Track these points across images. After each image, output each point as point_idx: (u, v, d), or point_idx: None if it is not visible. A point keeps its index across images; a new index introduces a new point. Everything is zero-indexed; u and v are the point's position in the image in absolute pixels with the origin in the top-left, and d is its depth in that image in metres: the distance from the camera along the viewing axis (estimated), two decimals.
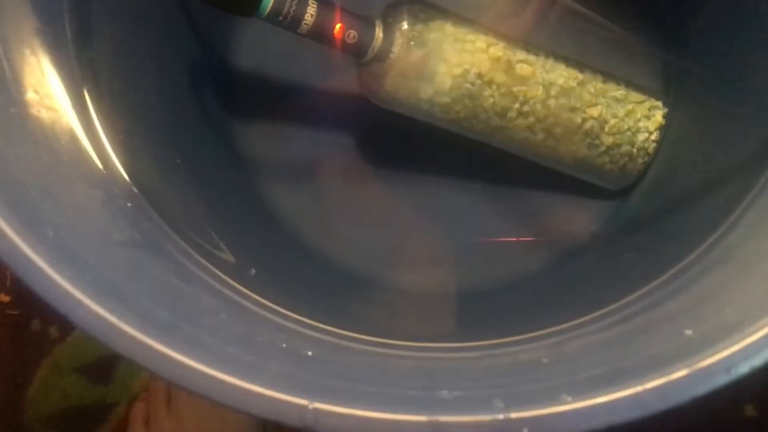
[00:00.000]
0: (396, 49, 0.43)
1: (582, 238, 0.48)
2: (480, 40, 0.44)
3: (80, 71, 0.34)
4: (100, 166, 0.32)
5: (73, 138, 0.31)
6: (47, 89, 0.32)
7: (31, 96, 0.30)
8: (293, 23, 0.42)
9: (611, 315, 0.30)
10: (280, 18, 0.42)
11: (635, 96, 0.47)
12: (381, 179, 0.50)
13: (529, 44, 0.46)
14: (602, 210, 0.49)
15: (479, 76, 0.44)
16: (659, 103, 0.47)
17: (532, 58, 0.45)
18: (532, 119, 0.45)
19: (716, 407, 0.57)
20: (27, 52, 0.31)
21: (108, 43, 0.37)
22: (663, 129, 0.47)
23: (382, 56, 0.43)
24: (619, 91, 0.46)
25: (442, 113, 0.45)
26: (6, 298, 0.58)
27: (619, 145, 0.46)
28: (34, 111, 0.30)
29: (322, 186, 0.50)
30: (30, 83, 0.30)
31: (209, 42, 0.48)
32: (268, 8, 0.41)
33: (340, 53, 0.44)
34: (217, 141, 0.47)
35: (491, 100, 0.45)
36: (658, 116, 0.47)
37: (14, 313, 0.57)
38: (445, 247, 0.50)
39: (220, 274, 0.31)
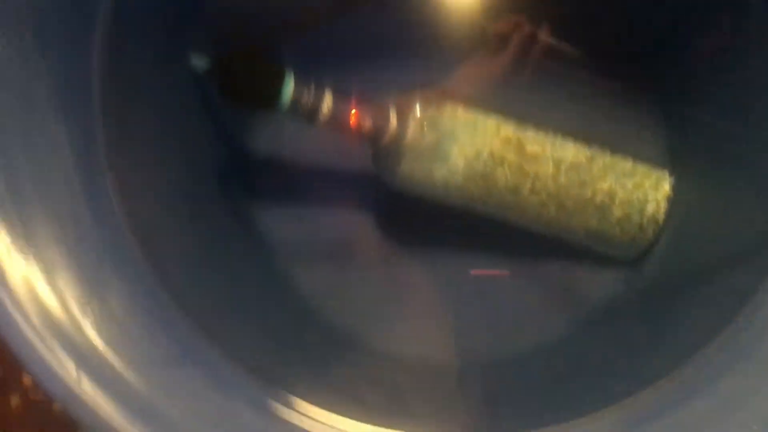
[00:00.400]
0: (410, 133, 0.45)
1: (595, 311, 0.49)
2: (491, 122, 0.46)
3: (108, 172, 0.35)
4: (134, 275, 0.33)
5: (100, 255, 0.31)
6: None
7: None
8: (311, 115, 0.44)
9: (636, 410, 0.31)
10: (299, 109, 0.43)
11: (642, 168, 0.48)
12: (401, 255, 0.52)
13: (538, 125, 0.47)
14: (616, 282, 0.50)
15: (491, 156, 0.46)
16: (666, 174, 0.48)
17: (541, 136, 0.47)
18: (544, 195, 0.47)
19: None
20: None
21: (134, 140, 0.39)
22: (671, 199, 0.48)
23: (397, 141, 0.45)
24: (627, 164, 0.48)
25: (456, 193, 0.46)
26: (29, 381, 0.58)
27: (629, 216, 0.48)
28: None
29: (339, 264, 0.51)
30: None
31: (230, 132, 0.49)
32: (287, 103, 0.43)
33: (356, 140, 0.45)
34: (242, 228, 0.48)
35: (504, 178, 0.46)
36: (665, 186, 0.48)
37: (37, 398, 0.58)
38: (463, 320, 0.51)
39: (258, 382, 0.32)
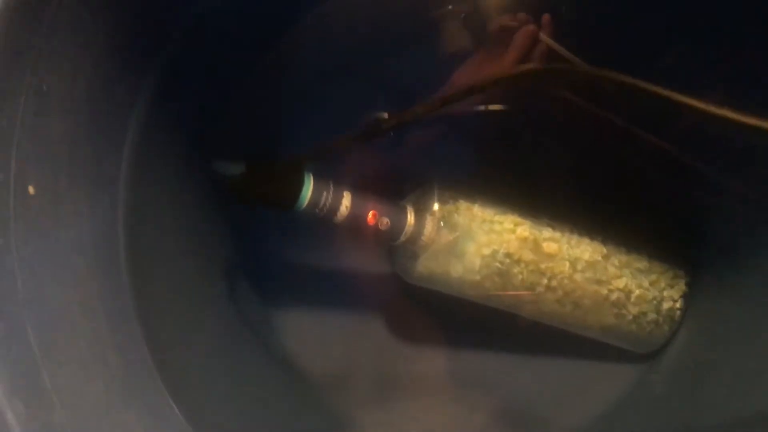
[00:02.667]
0: (427, 231, 0.45)
1: (612, 404, 0.49)
2: (507, 221, 0.46)
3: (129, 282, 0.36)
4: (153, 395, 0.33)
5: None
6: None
7: None
8: (329, 214, 0.44)
9: None
10: (317, 210, 0.44)
11: (658, 266, 0.48)
12: (413, 350, 0.52)
13: (554, 221, 0.47)
14: (631, 376, 0.50)
15: (508, 255, 0.46)
16: (682, 272, 0.48)
17: (557, 235, 0.47)
18: (560, 293, 0.47)
19: None
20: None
21: (152, 241, 0.39)
22: (687, 296, 0.48)
23: (414, 239, 0.45)
24: (643, 263, 0.48)
25: (472, 290, 0.47)
26: None
27: (645, 314, 0.48)
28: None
29: (355, 360, 0.51)
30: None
31: (246, 234, 0.50)
32: (306, 202, 0.43)
33: (374, 239, 0.45)
34: (256, 325, 0.49)
35: (520, 277, 0.46)
36: (682, 284, 0.48)
37: None
38: (478, 414, 0.50)
39: None
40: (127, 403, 0.29)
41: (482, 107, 0.47)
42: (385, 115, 0.39)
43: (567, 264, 0.47)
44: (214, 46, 0.39)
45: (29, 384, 0.24)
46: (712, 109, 0.36)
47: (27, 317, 0.25)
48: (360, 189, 0.44)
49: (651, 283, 0.48)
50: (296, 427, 0.45)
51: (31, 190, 0.27)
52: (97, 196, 0.31)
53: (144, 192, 0.36)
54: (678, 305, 0.48)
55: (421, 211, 0.46)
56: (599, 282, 0.47)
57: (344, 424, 0.48)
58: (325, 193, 0.44)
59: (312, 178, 0.43)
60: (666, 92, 0.38)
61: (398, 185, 0.48)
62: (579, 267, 0.47)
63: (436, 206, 0.46)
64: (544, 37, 0.48)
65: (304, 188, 0.43)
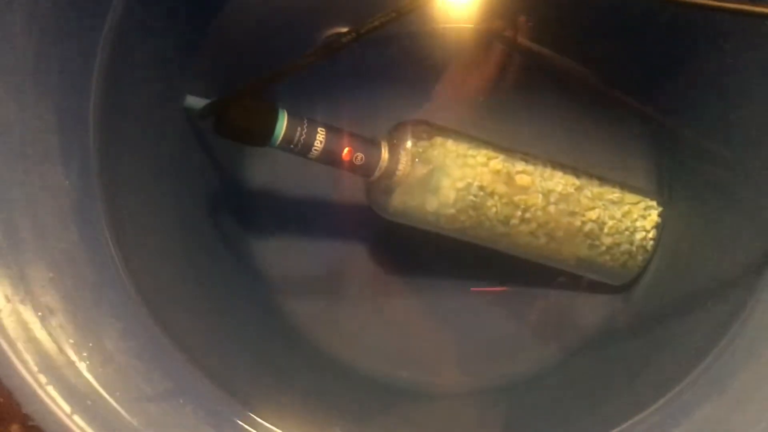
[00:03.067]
0: (401, 167, 0.46)
1: (589, 334, 0.50)
2: (480, 155, 0.47)
3: (104, 215, 0.36)
4: (129, 314, 0.34)
5: (96, 298, 0.32)
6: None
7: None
8: (304, 150, 0.45)
9: None
10: (292, 146, 0.44)
11: (630, 197, 0.49)
12: (393, 284, 0.53)
13: (527, 154, 0.48)
14: (606, 306, 0.51)
15: (481, 188, 0.47)
16: (654, 203, 0.49)
17: (530, 168, 0.48)
18: (534, 225, 0.48)
19: None
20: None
21: (130, 178, 0.40)
22: (660, 227, 0.49)
23: (389, 174, 0.46)
24: (615, 194, 0.49)
25: (447, 224, 0.47)
26: None
27: (618, 245, 0.48)
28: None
29: (337, 296, 0.52)
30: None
31: (224, 167, 0.51)
32: (280, 138, 0.44)
33: (349, 173, 0.46)
34: (234, 259, 0.50)
35: (494, 209, 0.47)
36: (654, 215, 0.49)
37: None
38: (458, 346, 0.51)
39: (252, 415, 0.33)
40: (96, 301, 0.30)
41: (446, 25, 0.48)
42: (344, 30, 0.39)
43: (540, 196, 0.47)
44: None
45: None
46: None
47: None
48: (334, 124, 0.45)
49: (623, 215, 0.48)
50: (260, 328, 0.46)
51: None
52: (67, 108, 0.32)
53: (114, 118, 0.36)
54: (651, 235, 0.49)
55: (395, 146, 0.46)
56: (572, 214, 0.48)
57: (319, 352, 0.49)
58: (299, 129, 0.44)
59: (286, 114, 0.44)
60: None
61: (372, 121, 0.49)
62: (552, 199, 0.47)
63: (409, 141, 0.46)
64: (522, 40, 0.50)
65: (278, 124, 0.44)
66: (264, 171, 0.52)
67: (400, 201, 0.47)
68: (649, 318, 0.47)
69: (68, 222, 0.31)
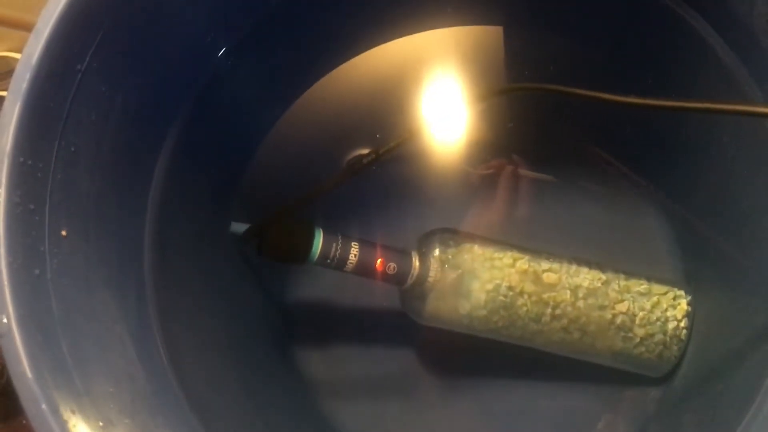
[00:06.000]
0: (432, 273, 0.49)
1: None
2: (506, 257, 0.49)
3: (159, 334, 0.40)
4: (182, 425, 0.36)
5: (152, 411, 0.35)
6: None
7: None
8: (340, 264, 0.48)
9: None
10: (328, 261, 0.48)
11: (658, 288, 0.50)
12: (435, 388, 0.54)
13: (551, 254, 0.50)
14: (647, 398, 0.51)
15: (510, 288, 0.49)
16: (682, 292, 0.50)
17: (556, 266, 0.50)
18: (565, 321, 0.49)
19: None
20: None
21: (182, 301, 0.44)
22: (691, 315, 0.50)
23: (421, 281, 0.49)
24: (642, 286, 0.50)
25: (481, 325, 0.49)
26: None
27: (652, 335, 0.49)
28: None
29: (380, 400, 0.54)
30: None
31: (268, 284, 0.54)
32: (317, 255, 0.48)
33: (383, 283, 0.49)
34: (282, 371, 0.52)
35: (525, 308, 0.49)
36: (683, 304, 0.50)
37: None
38: None
39: None
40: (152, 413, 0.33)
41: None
42: (365, 152, 0.43)
43: (568, 292, 0.49)
44: (225, 111, 0.45)
45: (67, 390, 0.28)
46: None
47: (62, 335, 0.29)
48: (366, 238, 0.48)
49: (653, 305, 0.50)
50: None
51: (63, 233, 0.32)
52: (124, 241, 0.36)
53: (167, 247, 0.40)
54: (682, 324, 0.49)
55: (424, 255, 0.49)
56: (602, 307, 0.49)
57: None
58: (334, 245, 0.48)
59: (321, 232, 0.48)
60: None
61: (401, 232, 0.52)
62: (580, 294, 0.49)
63: (438, 249, 0.49)
64: (523, 171, 0.54)
65: (315, 242, 0.47)
66: (305, 285, 0.55)
67: (433, 306, 0.49)
68: (689, 402, 0.47)
69: (127, 343, 0.34)
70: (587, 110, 0.55)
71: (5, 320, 0.27)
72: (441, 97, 0.50)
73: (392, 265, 0.49)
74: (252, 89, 0.47)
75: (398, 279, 0.49)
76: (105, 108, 0.35)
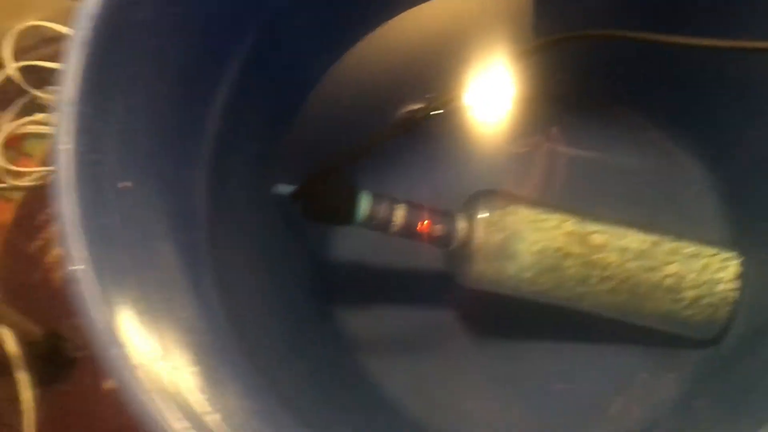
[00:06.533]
0: (478, 235, 0.48)
1: (678, 394, 0.50)
2: (553, 219, 0.49)
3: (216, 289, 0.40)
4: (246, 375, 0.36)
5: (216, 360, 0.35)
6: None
7: None
8: (384, 225, 0.48)
9: None
10: (373, 223, 0.48)
11: (707, 250, 0.50)
12: (479, 350, 0.54)
13: (598, 216, 0.50)
14: (695, 360, 0.51)
15: (557, 249, 0.48)
16: (731, 254, 0.50)
17: (603, 227, 0.49)
18: (613, 282, 0.49)
19: None
20: None
21: (235, 258, 0.44)
22: (741, 277, 0.49)
23: (466, 243, 0.48)
24: (691, 248, 0.49)
25: (527, 287, 0.49)
26: None
27: (701, 297, 0.49)
28: None
29: (419, 360, 0.54)
30: None
31: (311, 243, 0.54)
32: (361, 216, 0.47)
33: (428, 245, 0.49)
34: (323, 327, 0.52)
35: (572, 270, 0.48)
36: (733, 266, 0.49)
37: None
38: (548, 409, 0.52)
39: None
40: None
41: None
42: (417, 106, 0.43)
43: (616, 254, 0.49)
44: (276, 63, 0.44)
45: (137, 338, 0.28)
46: None
47: (131, 285, 0.30)
48: (412, 200, 0.48)
49: (702, 267, 0.49)
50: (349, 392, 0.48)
51: (125, 185, 0.32)
52: (180, 195, 0.36)
53: (218, 205, 0.41)
54: (732, 286, 0.49)
55: (470, 217, 0.49)
56: (650, 269, 0.49)
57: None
58: (379, 206, 0.48)
59: (366, 193, 0.47)
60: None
61: (447, 194, 0.52)
62: (628, 256, 0.49)
63: (483, 211, 0.49)
64: (561, 149, 0.53)
65: (359, 203, 0.47)
66: (346, 246, 0.55)
67: (479, 268, 0.49)
68: (738, 369, 0.47)
69: (190, 296, 0.34)
70: (626, 73, 0.55)
71: (79, 268, 0.27)
72: (491, 53, 0.49)
73: (438, 226, 0.48)
74: (307, 37, 0.47)
75: (444, 241, 0.49)
76: (160, 60, 0.35)
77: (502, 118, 0.56)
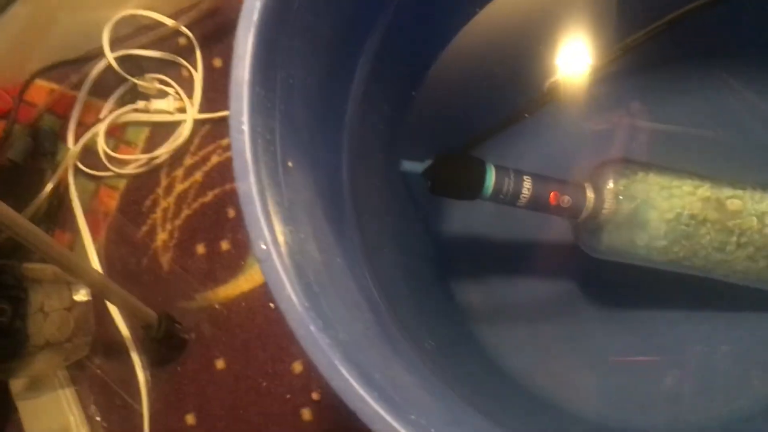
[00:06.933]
0: (607, 205, 0.47)
1: None
2: (686, 184, 0.47)
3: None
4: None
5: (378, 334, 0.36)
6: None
7: None
8: (512, 199, 0.47)
9: None
10: (501, 196, 0.47)
11: None
12: (603, 321, 0.53)
13: (733, 180, 0.48)
14: None
15: (692, 217, 0.47)
16: None
17: (740, 192, 0.47)
18: (751, 249, 0.47)
19: None
20: None
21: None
22: None
23: (595, 214, 0.47)
24: None
25: (660, 257, 0.48)
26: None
27: None
28: None
29: (540, 333, 0.53)
30: None
31: (431, 216, 0.54)
32: (490, 191, 0.47)
33: (556, 217, 0.48)
34: (445, 300, 0.52)
35: (708, 237, 0.47)
36: None
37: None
38: (683, 383, 0.50)
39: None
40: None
41: None
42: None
43: (755, 219, 0.47)
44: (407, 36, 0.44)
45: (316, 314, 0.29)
46: None
47: (305, 263, 0.30)
48: (538, 172, 0.47)
49: None
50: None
51: (290, 164, 0.32)
52: (330, 174, 0.36)
53: (356, 184, 0.41)
54: None
55: (598, 187, 0.48)
56: None
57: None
58: (506, 180, 0.47)
59: (493, 167, 0.47)
60: None
61: (574, 164, 0.51)
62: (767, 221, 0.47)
63: (612, 180, 0.48)
64: (642, 123, 0.52)
65: (487, 178, 0.47)
66: (466, 219, 0.55)
67: (609, 239, 0.48)
68: None
69: (347, 273, 0.34)
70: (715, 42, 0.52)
71: (264, 246, 0.27)
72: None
73: (566, 198, 0.47)
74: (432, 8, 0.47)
75: (572, 212, 0.48)
76: (312, 38, 0.34)
77: (586, 95, 0.54)
